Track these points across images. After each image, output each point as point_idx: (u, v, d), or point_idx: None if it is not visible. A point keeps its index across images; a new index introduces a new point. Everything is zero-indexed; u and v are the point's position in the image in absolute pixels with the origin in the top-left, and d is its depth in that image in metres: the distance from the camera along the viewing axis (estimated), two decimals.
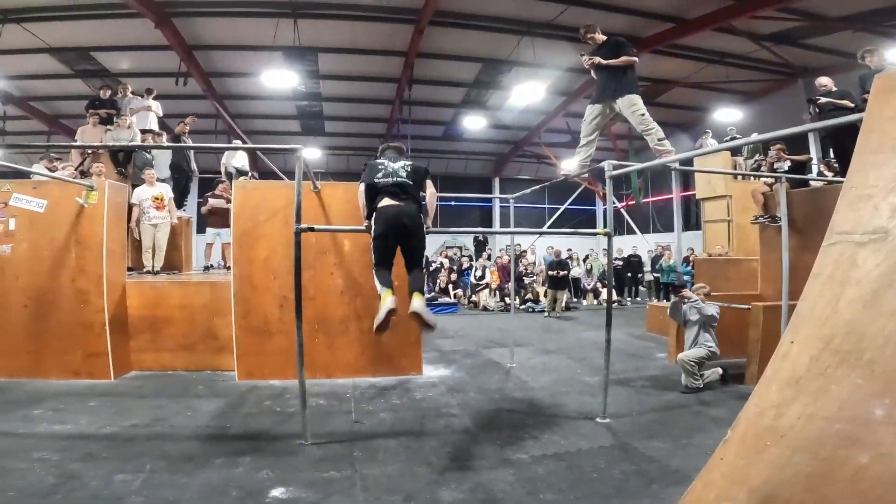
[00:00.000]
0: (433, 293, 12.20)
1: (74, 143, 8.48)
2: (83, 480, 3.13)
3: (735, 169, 11.61)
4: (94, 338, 5.60)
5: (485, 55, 13.27)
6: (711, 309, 5.60)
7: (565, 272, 11.84)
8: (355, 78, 14.59)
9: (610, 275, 5.10)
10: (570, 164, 19.27)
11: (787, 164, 7.10)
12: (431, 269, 13.25)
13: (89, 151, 7.94)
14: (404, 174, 3.94)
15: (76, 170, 7.77)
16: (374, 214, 3.81)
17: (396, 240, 3.82)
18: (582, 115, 5.49)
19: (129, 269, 7.06)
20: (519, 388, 5.65)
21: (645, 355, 7.27)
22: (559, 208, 22.09)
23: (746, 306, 5.78)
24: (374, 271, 3.87)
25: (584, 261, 14.66)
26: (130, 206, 7.13)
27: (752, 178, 11.60)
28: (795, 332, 2.22)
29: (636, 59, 5.05)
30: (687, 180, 18.86)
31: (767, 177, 6.95)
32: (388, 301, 3.68)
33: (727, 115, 13.81)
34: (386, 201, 3.80)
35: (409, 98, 14.79)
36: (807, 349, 2.12)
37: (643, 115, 4.94)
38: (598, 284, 13.72)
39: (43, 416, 4.40)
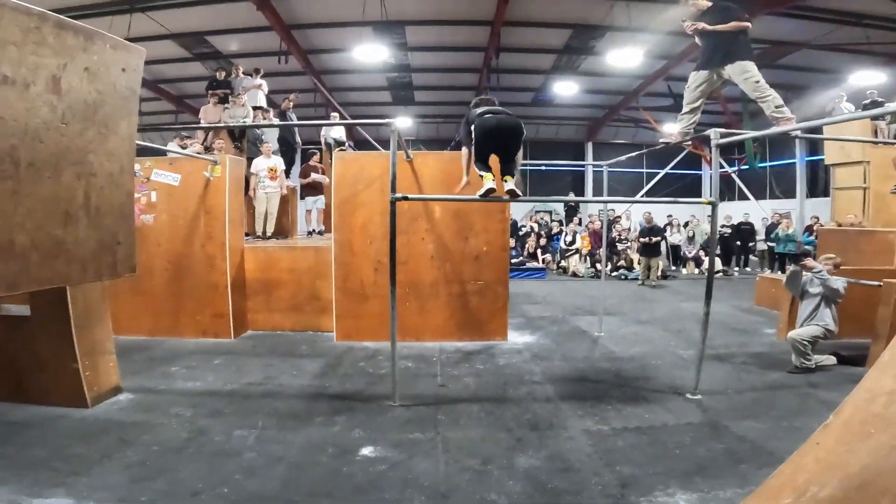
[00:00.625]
0: (521, 257, 12.16)
1: (199, 123, 9.37)
2: (210, 436, 3.59)
3: (876, 134, 10.22)
4: (219, 298, 6.34)
5: (575, 20, 12.56)
6: (839, 282, 5.06)
7: (658, 238, 11.24)
8: (442, 48, 14.53)
9: (713, 246, 4.77)
10: (671, 130, 18.07)
11: None
12: (521, 233, 13.19)
13: (210, 130, 8.78)
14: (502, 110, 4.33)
15: (202, 144, 8.65)
16: (476, 123, 4.13)
17: (497, 141, 4.19)
18: (685, 78, 5.12)
19: (246, 235, 7.78)
20: (606, 358, 5.60)
21: (751, 330, 6.82)
22: (658, 173, 20.89)
23: (877, 282, 5.17)
24: (473, 163, 4.34)
25: (685, 227, 13.74)
26: (247, 177, 7.83)
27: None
28: None
29: (748, 24, 4.57)
30: (815, 144, 16.87)
31: None
32: (487, 182, 4.17)
33: (867, 77, 12.02)
34: (488, 115, 4.16)
35: (497, 66, 14.49)
36: None
37: (758, 81, 4.49)
38: (701, 252, 12.87)
39: (178, 373, 5.08)
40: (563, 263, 12.50)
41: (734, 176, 19.00)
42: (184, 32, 13.23)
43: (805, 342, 5.03)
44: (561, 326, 7.09)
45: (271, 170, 8.07)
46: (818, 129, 8.94)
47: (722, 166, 19.39)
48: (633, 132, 21.08)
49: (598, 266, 11.83)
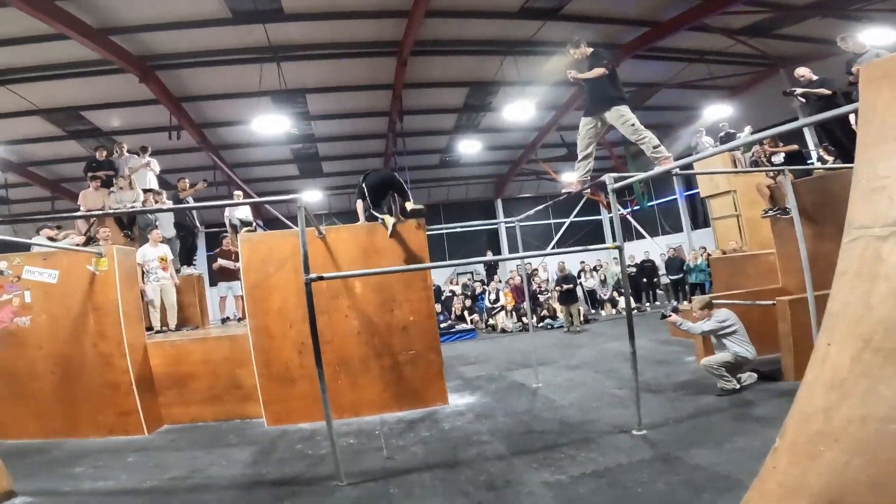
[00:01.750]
0: (449, 321, 12.23)
1: (78, 211, 8.69)
2: None
3: (735, 163, 11.68)
4: (122, 397, 5.73)
5: (471, 78, 13.60)
6: (702, 327, 5.58)
7: (571, 286, 11.89)
8: (346, 115, 14.93)
9: (626, 284, 5.14)
10: (570, 179, 19.58)
11: (781, 156, 7.19)
12: (443, 297, 13.32)
13: (93, 219, 8.14)
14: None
15: (84, 234, 7.97)
16: (365, 183, 6.30)
17: (382, 188, 6.30)
18: (575, 126, 5.65)
19: (148, 329, 7.21)
20: (548, 407, 5.65)
21: (673, 360, 7.24)
22: (564, 222, 22.34)
23: (770, 302, 5.80)
24: (373, 212, 6.14)
25: (596, 271, 14.67)
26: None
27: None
28: (830, 332, 2.21)
29: (605, 69, 5.19)
30: (690, 178, 19.01)
31: (769, 170, 7.03)
32: (389, 221, 6.03)
33: (717, 111, 13.97)
34: (371, 174, 6.42)
35: (402, 130, 15.10)
36: (846, 350, 2.11)
37: (633, 125, 5.08)
38: (615, 294, 13.72)
39: (85, 473, 4.49)
40: (490, 321, 12.73)
41: (629, 217, 20.82)
42: (54, 108, 12.43)
43: (718, 366, 5.42)
44: (499, 383, 7.10)
45: (161, 259, 7.58)
46: (690, 165, 10.32)
47: (619, 209, 21.33)
48: (537, 185, 22.56)
49: (525, 319, 12.19)
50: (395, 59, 11.90)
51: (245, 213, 10.49)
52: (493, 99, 14.72)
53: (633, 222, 20.75)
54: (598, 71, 5.13)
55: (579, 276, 14.89)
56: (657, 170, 4.95)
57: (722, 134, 11.79)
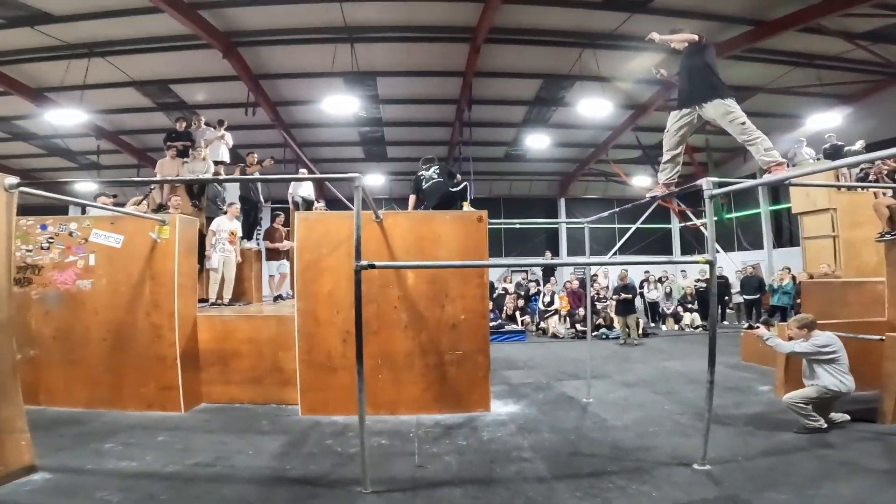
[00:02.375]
0: (500, 320, 11.89)
1: (154, 178, 9.01)
2: None
3: (838, 179, 10.56)
4: (166, 371, 5.78)
5: (545, 70, 13.10)
6: (796, 347, 4.92)
7: (630, 296, 11.22)
8: (414, 101, 14.84)
9: (713, 303, 4.53)
10: (644, 184, 18.58)
11: None
12: (495, 295, 12.97)
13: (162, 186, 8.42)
14: (436, 176, 6.76)
15: (158, 202, 8.25)
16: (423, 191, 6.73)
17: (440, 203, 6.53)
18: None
19: (201, 301, 7.34)
20: (599, 427, 5.24)
21: (744, 388, 6.60)
22: (630, 228, 21.33)
23: (878, 336, 5.09)
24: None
25: (661, 283, 13.84)
26: (202, 235, 7.45)
27: (859, 188, 10.50)
28: None
29: (694, 36, 4.60)
30: (777, 192, 17.58)
31: (888, 187, 6.15)
32: None
33: (823, 120, 12.69)
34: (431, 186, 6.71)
35: (470, 119, 14.82)
36: None
37: (744, 123, 4.43)
38: (679, 308, 12.89)
39: (112, 450, 4.50)
40: (542, 325, 12.28)
41: (702, 229, 19.51)
42: (147, 80, 13.11)
43: (800, 405, 4.81)
44: (546, 393, 6.73)
45: (232, 233, 7.73)
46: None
47: (689, 219, 20.07)
48: (604, 187, 21.69)
49: (579, 326, 11.67)
50: (468, 45, 11.62)
51: (308, 191, 10.59)
52: (567, 93, 14.14)
53: (706, 233, 19.48)
54: (686, 36, 4.56)
55: (641, 287, 14.12)
56: (768, 178, 4.33)
57: (827, 146, 10.79)
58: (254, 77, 13.01)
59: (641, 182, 18.78)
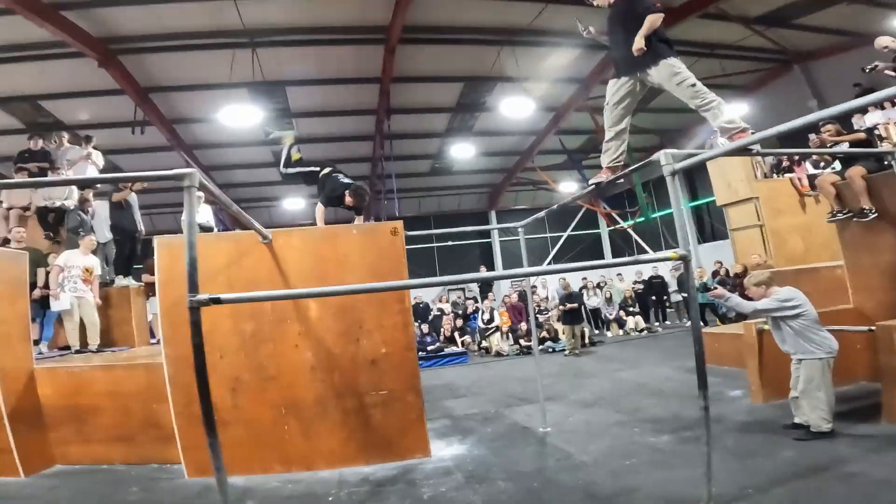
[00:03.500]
0: (438, 343, 10.73)
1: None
2: None
3: (754, 167, 10.41)
4: None
5: (464, 73, 12.32)
6: (758, 305, 4.27)
7: (576, 305, 10.49)
8: (330, 113, 13.58)
9: (694, 309, 3.55)
10: (575, 189, 18.21)
11: (845, 147, 5.80)
12: (431, 317, 11.84)
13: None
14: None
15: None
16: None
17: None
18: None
19: (65, 348, 5.93)
20: (564, 465, 4.18)
21: (713, 395, 5.49)
22: (561, 236, 20.99)
23: (866, 328, 4.41)
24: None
25: (601, 288, 13.25)
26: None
27: (776, 174, 10.40)
28: None
29: (661, 13, 3.75)
30: (695, 188, 17.74)
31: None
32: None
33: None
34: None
35: (390, 131, 13.79)
36: None
37: (694, 85, 3.62)
38: (622, 313, 12.29)
39: None
40: (484, 344, 11.23)
41: (630, 231, 19.46)
42: (10, 96, 11.04)
43: (819, 396, 4.03)
44: (496, 425, 5.61)
45: (87, 270, 6.11)
46: (702, 165, 8.93)
47: (617, 222, 19.99)
48: (533, 196, 21.25)
49: (522, 342, 10.75)
50: (382, 46, 10.60)
51: (206, 217, 8.98)
52: (489, 97, 13.44)
53: (635, 235, 19.47)
54: (653, 18, 3.61)
55: (581, 294, 13.47)
56: (731, 145, 3.49)
57: None
58: (141, 90, 11.30)
59: (568, 188, 18.47)
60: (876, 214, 4.84)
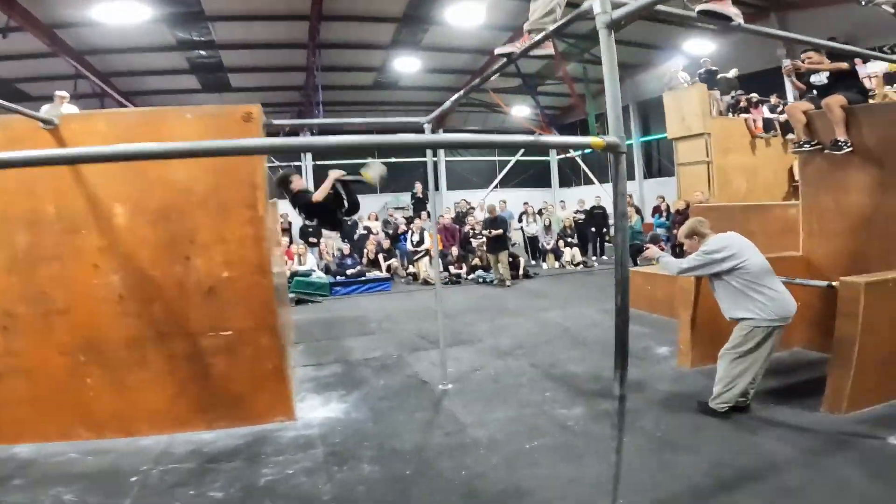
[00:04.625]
0: (359, 266, 9.44)
1: None
2: None
3: (711, 104, 9.46)
4: None
5: None
6: (682, 263, 3.27)
7: (501, 231, 9.37)
8: (253, 17, 11.20)
9: (622, 249, 2.31)
10: (528, 113, 16.75)
11: (824, 76, 4.49)
12: (356, 236, 10.46)
13: None
14: None
15: None
16: None
17: None
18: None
19: None
20: (452, 444, 3.11)
21: (639, 352, 4.67)
22: (510, 161, 19.64)
23: (824, 283, 3.39)
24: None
25: (540, 215, 12.17)
26: None
27: (732, 114, 9.56)
28: None
29: None
30: (647, 122, 16.63)
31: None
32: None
33: (698, 46, 11.40)
34: None
35: (323, 40, 11.70)
36: None
37: None
38: (560, 243, 11.31)
39: None
40: (412, 269, 10.02)
41: (578, 160, 18.36)
42: None
43: (734, 374, 3.10)
44: (392, 377, 4.47)
45: None
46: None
47: (568, 152, 18.82)
48: (484, 118, 19.54)
49: (453, 269, 9.67)
50: None
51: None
52: (439, 11, 11.42)
53: (583, 165, 18.39)
54: None
55: (520, 220, 12.41)
56: (707, 6, 2.17)
57: (702, 70, 9.89)
58: None
59: (521, 112, 16.96)
60: (851, 149, 3.76)
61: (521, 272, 9.57)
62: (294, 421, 3.56)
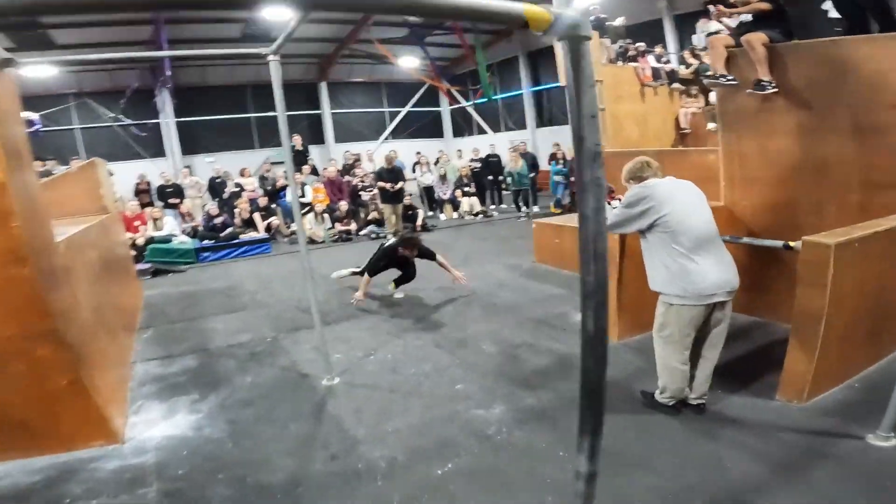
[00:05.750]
0: (231, 229, 7.95)
1: None
2: None
3: (603, 53, 9.12)
4: None
5: None
6: (610, 215, 2.52)
7: (400, 183, 8.55)
8: None
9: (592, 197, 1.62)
10: (417, 64, 15.51)
11: (748, 18, 4.00)
12: (226, 194, 8.86)
13: None
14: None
15: None
16: None
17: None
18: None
19: None
20: (339, 473, 2.26)
21: (552, 319, 4.06)
22: (400, 111, 18.39)
23: (779, 243, 2.94)
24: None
25: (436, 165, 11.35)
26: None
27: (621, 62, 9.32)
28: None
29: None
30: (538, 72, 16.24)
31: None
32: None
33: None
34: None
35: None
36: None
37: None
38: (458, 192, 10.64)
39: None
40: (294, 227, 8.73)
41: (470, 110, 17.68)
42: None
43: (664, 357, 2.52)
44: (263, 370, 3.46)
45: None
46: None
47: (458, 101, 18.02)
48: (370, 69, 17.82)
49: (341, 226, 8.59)
50: None
51: None
52: None
53: (475, 115, 17.72)
54: None
55: (414, 170, 11.53)
56: None
57: (592, 18, 9.35)
58: None
59: (409, 63, 15.61)
60: (776, 90, 3.34)
61: (418, 224, 8.79)
62: (120, 445, 2.51)
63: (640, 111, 9.23)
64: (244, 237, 7.85)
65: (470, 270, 5.48)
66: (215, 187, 9.25)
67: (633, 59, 9.48)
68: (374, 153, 12.10)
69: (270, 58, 2.86)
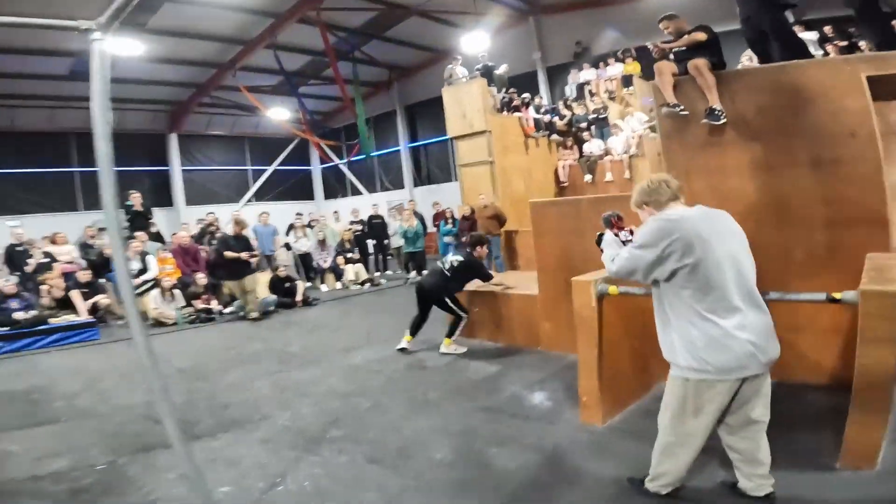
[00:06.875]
0: (34, 312, 5.91)
1: None
2: None
3: (493, 101, 9.30)
4: None
5: None
6: (613, 260, 2.13)
7: (245, 253, 7.01)
8: None
9: None
10: (282, 116, 14.76)
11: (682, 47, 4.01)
12: (30, 268, 6.85)
13: None
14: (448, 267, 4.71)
15: None
16: None
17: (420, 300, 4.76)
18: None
19: None
20: None
21: (515, 407, 3.32)
22: (265, 170, 17.14)
23: (821, 296, 2.33)
24: None
25: (311, 228, 10.32)
26: None
27: (506, 112, 9.55)
28: None
29: None
30: (415, 128, 16.28)
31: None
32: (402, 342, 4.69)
33: (475, 40, 11.32)
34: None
35: None
36: None
37: None
38: (339, 259, 9.66)
39: None
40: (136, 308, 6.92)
41: (344, 168, 17.09)
42: None
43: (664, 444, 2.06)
44: None
45: None
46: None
47: (331, 159, 17.29)
48: (233, 121, 16.48)
49: (199, 304, 7.10)
50: None
51: None
52: None
53: (349, 174, 17.17)
54: None
55: (288, 234, 10.39)
56: None
57: (479, 66, 9.78)
58: None
59: (281, 115, 14.71)
60: (725, 121, 3.24)
61: (298, 299, 7.63)
62: None
63: (524, 164, 9.48)
64: (56, 321, 5.96)
65: (374, 351, 4.57)
66: (14, 258, 7.16)
67: (517, 108, 9.80)
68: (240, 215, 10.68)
69: (95, 35, 1.91)
